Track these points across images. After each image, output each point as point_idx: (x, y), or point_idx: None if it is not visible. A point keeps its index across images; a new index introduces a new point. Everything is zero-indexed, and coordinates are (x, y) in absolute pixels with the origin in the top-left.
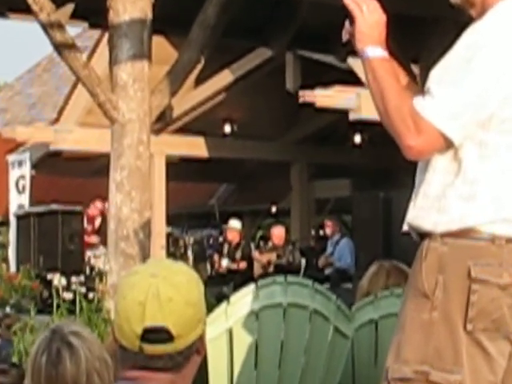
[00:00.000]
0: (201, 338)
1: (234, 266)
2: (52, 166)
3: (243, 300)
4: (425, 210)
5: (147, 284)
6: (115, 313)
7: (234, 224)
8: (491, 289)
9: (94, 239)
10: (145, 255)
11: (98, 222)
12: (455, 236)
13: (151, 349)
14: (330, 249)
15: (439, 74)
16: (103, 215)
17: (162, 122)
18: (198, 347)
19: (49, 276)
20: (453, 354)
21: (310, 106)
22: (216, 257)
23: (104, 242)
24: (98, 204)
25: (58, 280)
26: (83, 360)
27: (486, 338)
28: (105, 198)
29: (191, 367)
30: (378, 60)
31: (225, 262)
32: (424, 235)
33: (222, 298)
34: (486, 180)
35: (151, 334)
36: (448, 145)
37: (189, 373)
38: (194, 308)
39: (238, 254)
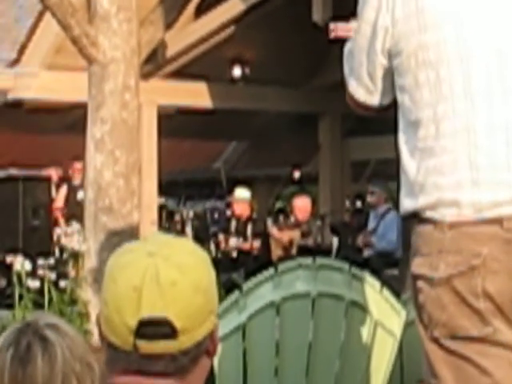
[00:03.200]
0: (212, 335)
1: (245, 247)
2: (11, 119)
3: (260, 289)
4: None
5: (144, 264)
6: (102, 302)
7: (242, 194)
8: (431, 285)
9: (63, 212)
10: (133, 232)
11: (63, 189)
12: (417, 222)
13: (149, 347)
14: (372, 223)
15: None
16: (69, 180)
17: (153, 63)
18: (207, 346)
19: (8, 259)
20: (428, 366)
21: (343, 42)
22: (222, 235)
23: (76, 216)
24: (76, 164)
25: (20, 264)
26: (59, 359)
27: (454, 344)
28: (76, 157)
29: (199, 372)
30: None
31: (233, 242)
32: None
33: (231, 286)
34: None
35: (149, 327)
36: None
37: (196, 380)
38: (204, 295)
39: (250, 232)
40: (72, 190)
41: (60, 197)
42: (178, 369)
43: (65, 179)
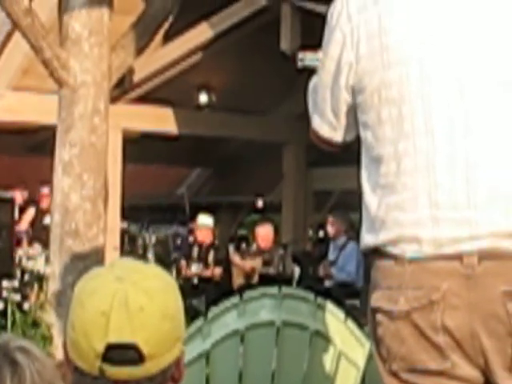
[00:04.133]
0: (178, 362)
1: (206, 273)
2: None
3: (224, 316)
4: None
5: (112, 290)
6: (70, 326)
7: (205, 220)
8: (391, 319)
9: (26, 235)
10: (98, 256)
11: (31, 211)
12: (377, 257)
13: (115, 372)
14: (332, 254)
15: None
16: (37, 204)
17: (120, 87)
18: (173, 373)
19: None
20: None
21: (310, 72)
22: (184, 261)
23: (41, 239)
24: (44, 189)
25: None
26: (28, 383)
27: (413, 377)
28: (43, 182)
29: None
30: None
31: (195, 268)
32: None
33: (193, 314)
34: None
35: (116, 352)
36: None
37: None
38: (172, 322)
39: (211, 258)
40: (39, 213)
41: (26, 219)
42: None
43: (32, 201)
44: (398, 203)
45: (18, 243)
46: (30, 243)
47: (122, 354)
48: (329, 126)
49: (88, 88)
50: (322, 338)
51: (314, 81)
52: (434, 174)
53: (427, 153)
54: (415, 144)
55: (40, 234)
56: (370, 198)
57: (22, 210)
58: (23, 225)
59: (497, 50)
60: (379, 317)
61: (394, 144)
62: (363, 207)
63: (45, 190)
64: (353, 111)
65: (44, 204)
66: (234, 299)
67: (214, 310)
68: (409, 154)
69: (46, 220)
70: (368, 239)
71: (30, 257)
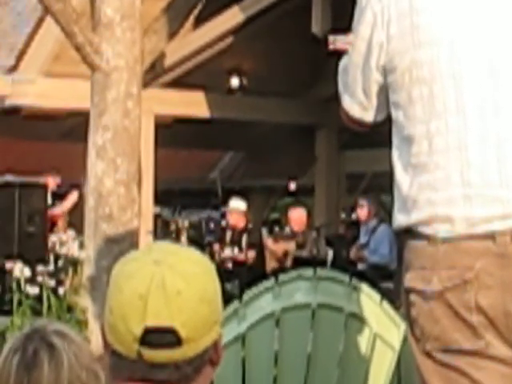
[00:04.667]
0: (215, 345)
1: (239, 257)
2: (8, 125)
3: (260, 299)
4: None
5: (150, 273)
6: (107, 310)
7: (237, 204)
8: (424, 299)
9: (61, 220)
10: (133, 240)
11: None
12: (410, 237)
13: (153, 355)
14: (363, 237)
15: None
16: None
17: (151, 72)
18: (211, 356)
19: (7, 265)
20: (420, 379)
21: (341, 54)
22: (217, 245)
23: (75, 225)
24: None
25: (19, 270)
26: (66, 366)
27: (447, 357)
28: (77, 168)
29: (203, 381)
30: None
31: (228, 252)
32: None
33: (226, 298)
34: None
35: (154, 335)
36: None
37: None
38: (209, 305)
39: (245, 242)
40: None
41: (68, 202)
42: (181, 378)
43: (76, 186)
44: (429, 182)
45: (52, 228)
46: (65, 229)
47: (159, 337)
48: (359, 106)
49: (121, 72)
50: (357, 320)
51: (344, 61)
52: (465, 152)
53: (459, 132)
54: (447, 123)
55: (76, 219)
56: (402, 178)
57: (55, 196)
58: (64, 208)
59: None
60: (413, 297)
61: (425, 123)
62: (395, 187)
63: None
64: (384, 91)
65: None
66: (269, 282)
67: (249, 293)
68: (441, 133)
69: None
70: (400, 219)
71: (64, 242)
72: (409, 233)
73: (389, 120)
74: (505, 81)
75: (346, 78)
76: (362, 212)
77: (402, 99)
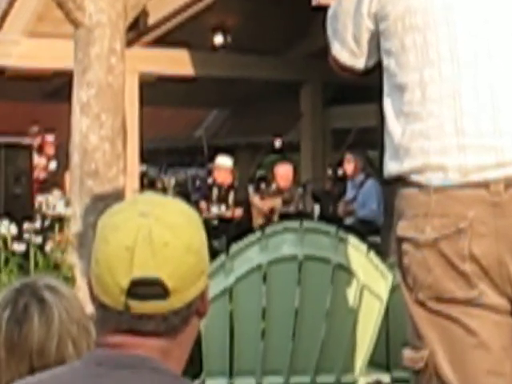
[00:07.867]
0: (202, 295)
1: (227, 214)
2: None
3: (246, 252)
4: None
5: (136, 225)
6: (94, 262)
7: (223, 161)
8: (417, 247)
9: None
10: (119, 196)
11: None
12: (402, 185)
13: (140, 306)
14: (350, 192)
15: None
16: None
17: (135, 30)
18: (198, 307)
19: None
20: (413, 328)
21: (325, 10)
22: (203, 203)
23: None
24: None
25: (5, 227)
26: (56, 321)
27: (440, 306)
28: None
29: (190, 332)
30: None
31: (215, 209)
32: None
33: (212, 254)
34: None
35: (140, 287)
36: None
37: (186, 340)
38: (196, 255)
39: (231, 199)
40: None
41: (39, 167)
42: (168, 329)
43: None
44: (422, 131)
45: (37, 190)
46: (49, 189)
47: (146, 288)
48: (350, 53)
49: (103, 28)
50: (344, 271)
51: (334, 8)
52: (459, 101)
53: (453, 80)
54: (440, 71)
55: (50, 179)
56: (394, 126)
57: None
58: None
59: None
60: (405, 246)
61: (418, 71)
62: (386, 135)
63: (49, 138)
64: (375, 38)
65: (49, 151)
66: (256, 235)
67: (235, 247)
68: (434, 81)
69: (52, 165)
70: (392, 167)
71: (50, 204)
72: (400, 181)
73: (379, 73)
74: (499, 28)
75: (335, 25)
76: (349, 167)
77: (394, 47)
